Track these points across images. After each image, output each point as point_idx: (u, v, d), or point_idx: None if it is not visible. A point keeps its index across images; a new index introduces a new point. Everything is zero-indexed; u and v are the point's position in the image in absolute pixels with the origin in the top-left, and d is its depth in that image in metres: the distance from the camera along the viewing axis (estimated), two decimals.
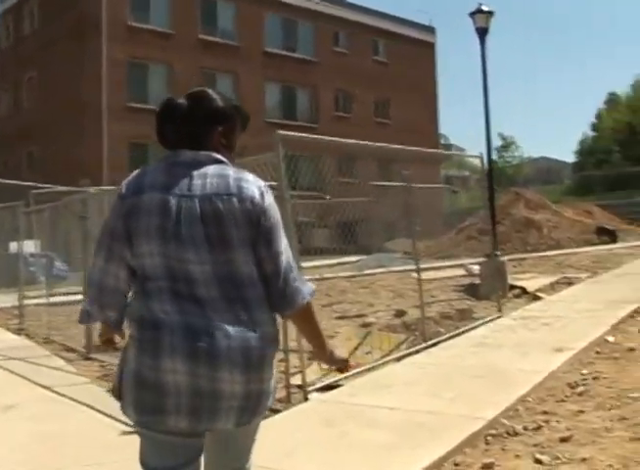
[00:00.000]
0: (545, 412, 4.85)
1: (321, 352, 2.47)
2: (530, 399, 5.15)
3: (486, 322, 8.52)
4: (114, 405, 2.64)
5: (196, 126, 2.29)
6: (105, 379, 6.86)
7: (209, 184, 2.20)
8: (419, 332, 7.68)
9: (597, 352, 6.62)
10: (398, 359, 6.73)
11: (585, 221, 23.42)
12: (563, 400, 5.13)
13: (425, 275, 15.53)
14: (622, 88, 48.93)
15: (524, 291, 12.02)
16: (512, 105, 60.03)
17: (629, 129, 40.40)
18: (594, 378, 5.69)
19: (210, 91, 2.36)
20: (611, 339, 7.10)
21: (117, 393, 2.28)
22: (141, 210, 2.19)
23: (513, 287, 12.33)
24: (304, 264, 7.69)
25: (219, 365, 2.10)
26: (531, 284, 12.64)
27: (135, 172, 2.33)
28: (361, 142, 8.13)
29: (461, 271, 15.59)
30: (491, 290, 12.24)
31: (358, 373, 6.14)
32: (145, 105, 29.08)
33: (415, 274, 8.46)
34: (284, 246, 2.27)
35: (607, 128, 42.54)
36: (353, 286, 14.62)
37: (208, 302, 2.14)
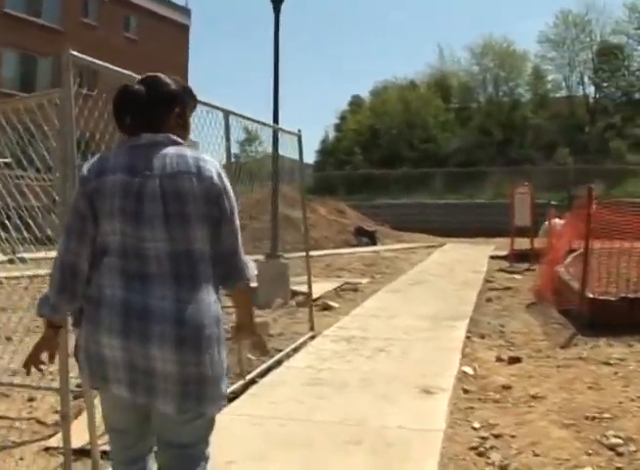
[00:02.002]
0: None
1: (249, 324, 2.49)
2: None
3: (301, 344, 6.82)
4: None
5: (154, 111, 2.30)
6: None
7: (169, 164, 2.23)
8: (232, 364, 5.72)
9: (466, 392, 5.21)
10: None
11: (342, 221, 22.84)
12: None
13: None
14: (364, 92, 50.27)
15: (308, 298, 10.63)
16: (257, 98, 59.68)
17: (371, 132, 41.36)
18: (496, 436, 4.25)
19: (163, 76, 2.38)
20: (469, 371, 5.76)
21: (76, 359, 2.35)
22: (105, 191, 2.21)
23: (295, 293, 11.08)
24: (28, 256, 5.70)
25: (150, 342, 2.12)
26: (313, 289, 11.32)
27: (96, 157, 2.31)
28: None
29: None
30: (272, 296, 10.76)
31: None
32: None
33: None
34: (238, 226, 2.32)
35: (350, 130, 43.16)
36: None
37: (156, 278, 2.16)
